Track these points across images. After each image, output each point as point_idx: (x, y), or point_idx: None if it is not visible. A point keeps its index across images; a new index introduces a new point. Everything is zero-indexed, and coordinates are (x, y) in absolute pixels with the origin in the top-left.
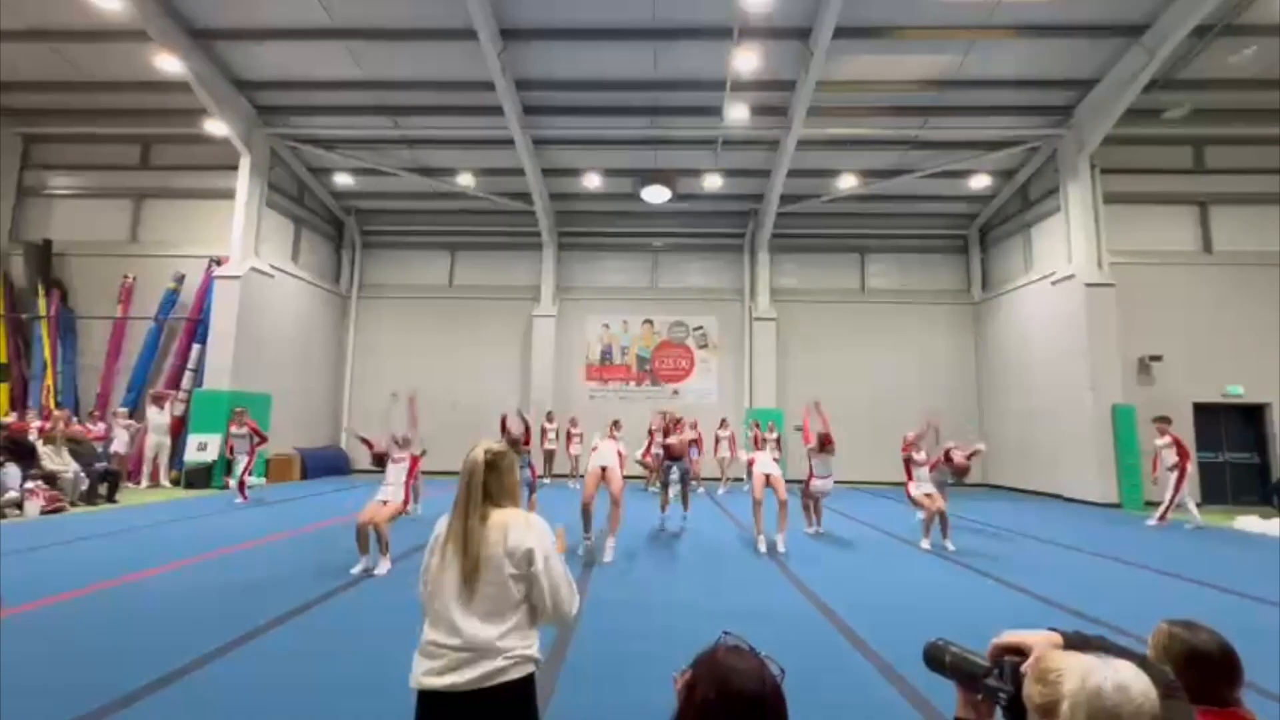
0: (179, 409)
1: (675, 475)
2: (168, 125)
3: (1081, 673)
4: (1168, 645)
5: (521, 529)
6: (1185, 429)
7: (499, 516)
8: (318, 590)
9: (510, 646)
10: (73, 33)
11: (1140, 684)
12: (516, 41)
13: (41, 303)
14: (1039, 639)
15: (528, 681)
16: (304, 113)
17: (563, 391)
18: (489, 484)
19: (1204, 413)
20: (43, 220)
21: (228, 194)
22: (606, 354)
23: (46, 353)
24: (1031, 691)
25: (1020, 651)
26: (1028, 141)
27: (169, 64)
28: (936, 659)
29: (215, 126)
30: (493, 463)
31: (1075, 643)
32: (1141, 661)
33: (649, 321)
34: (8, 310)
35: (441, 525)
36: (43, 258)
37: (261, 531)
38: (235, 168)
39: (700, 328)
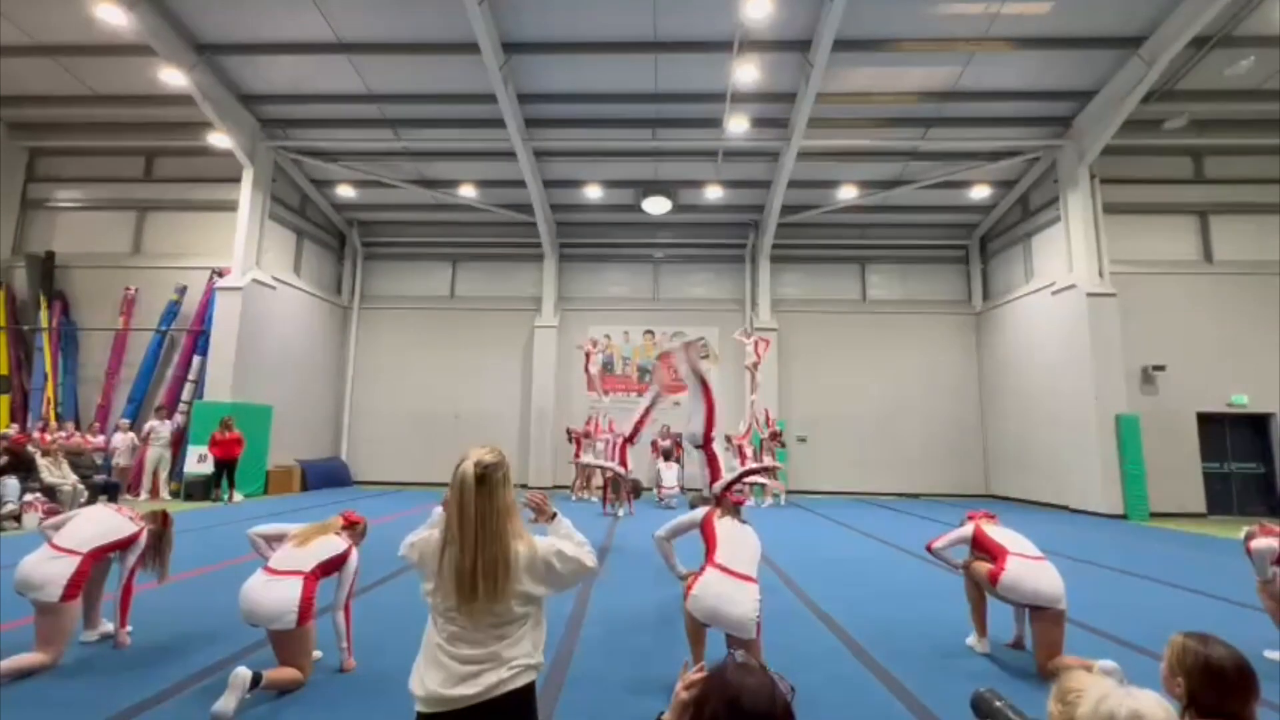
0: (179, 420)
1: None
2: (171, 138)
3: (1097, 696)
4: (1181, 658)
5: (525, 564)
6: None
7: (498, 549)
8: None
9: (513, 656)
10: (80, 48)
11: (1159, 714)
12: (518, 55)
13: (43, 314)
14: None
15: (528, 689)
16: (307, 126)
17: (564, 403)
18: (479, 505)
19: (1209, 423)
20: (46, 233)
21: (230, 206)
22: (608, 365)
23: (48, 364)
24: (1052, 709)
25: None
26: (1027, 152)
27: (174, 78)
28: (982, 708)
29: (219, 140)
30: (483, 478)
31: None
32: None
33: (650, 332)
34: (9, 322)
35: (436, 531)
36: (45, 270)
37: None
38: (238, 180)
39: (701, 338)
